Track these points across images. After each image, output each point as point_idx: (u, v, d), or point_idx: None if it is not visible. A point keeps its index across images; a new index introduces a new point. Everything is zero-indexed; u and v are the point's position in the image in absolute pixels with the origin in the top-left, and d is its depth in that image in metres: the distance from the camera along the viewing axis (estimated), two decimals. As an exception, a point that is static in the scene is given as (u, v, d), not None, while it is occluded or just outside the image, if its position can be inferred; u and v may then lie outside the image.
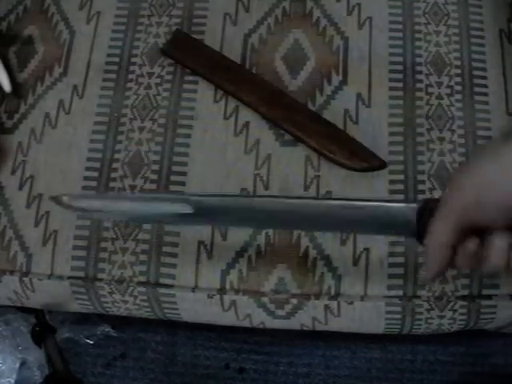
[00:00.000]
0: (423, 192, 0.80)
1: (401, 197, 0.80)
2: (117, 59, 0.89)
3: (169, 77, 0.87)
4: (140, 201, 0.72)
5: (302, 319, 0.81)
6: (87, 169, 0.84)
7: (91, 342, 1.16)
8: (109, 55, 0.89)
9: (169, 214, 0.67)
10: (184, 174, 0.82)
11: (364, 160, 0.81)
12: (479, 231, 0.55)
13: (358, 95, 0.85)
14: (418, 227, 0.58)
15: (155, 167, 0.83)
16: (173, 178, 0.82)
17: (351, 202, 0.62)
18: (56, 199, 0.73)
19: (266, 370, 1.15)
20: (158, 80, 0.87)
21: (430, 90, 0.85)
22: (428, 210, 0.58)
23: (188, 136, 0.84)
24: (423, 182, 0.80)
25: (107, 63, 0.89)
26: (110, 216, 0.76)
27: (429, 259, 0.58)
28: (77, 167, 0.84)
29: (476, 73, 0.85)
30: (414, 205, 0.59)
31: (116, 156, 0.84)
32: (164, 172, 0.83)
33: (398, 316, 0.79)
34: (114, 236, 0.80)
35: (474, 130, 0.82)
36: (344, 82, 0.86)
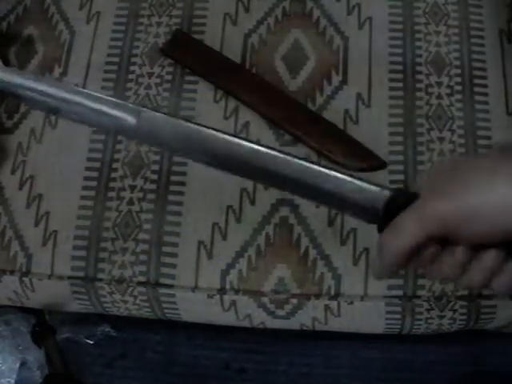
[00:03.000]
0: (423, 192, 0.80)
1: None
2: (117, 59, 0.89)
3: (169, 77, 0.87)
4: (73, 93, 0.60)
5: (302, 319, 0.81)
6: (87, 169, 0.84)
7: (91, 342, 1.15)
8: (109, 55, 0.89)
9: (107, 119, 0.59)
10: (184, 174, 0.82)
11: (364, 160, 0.81)
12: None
13: (358, 95, 0.85)
14: (384, 217, 0.52)
15: (155, 167, 0.83)
16: (173, 178, 0.82)
17: (324, 170, 0.55)
18: None
19: (266, 369, 1.14)
20: (158, 80, 0.87)
21: (430, 89, 0.85)
22: (399, 202, 0.52)
23: (188, 136, 0.84)
24: (423, 181, 0.80)
25: (107, 63, 0.89)
26: (34, 97, 0.61)
27: (386, 255, 0.52)
28: (77, 167, 0.84)
29: (476, 73, 0.85)
30: (387, 192, 0.53)
31: (116, 156, 0.84)
32: (164, 172, 0.83)
33: (398, 316, 0.79)
34: (114, 236, 0.80)
35: (474, 130, 0.82)
36: (344, 81, 0.86)
